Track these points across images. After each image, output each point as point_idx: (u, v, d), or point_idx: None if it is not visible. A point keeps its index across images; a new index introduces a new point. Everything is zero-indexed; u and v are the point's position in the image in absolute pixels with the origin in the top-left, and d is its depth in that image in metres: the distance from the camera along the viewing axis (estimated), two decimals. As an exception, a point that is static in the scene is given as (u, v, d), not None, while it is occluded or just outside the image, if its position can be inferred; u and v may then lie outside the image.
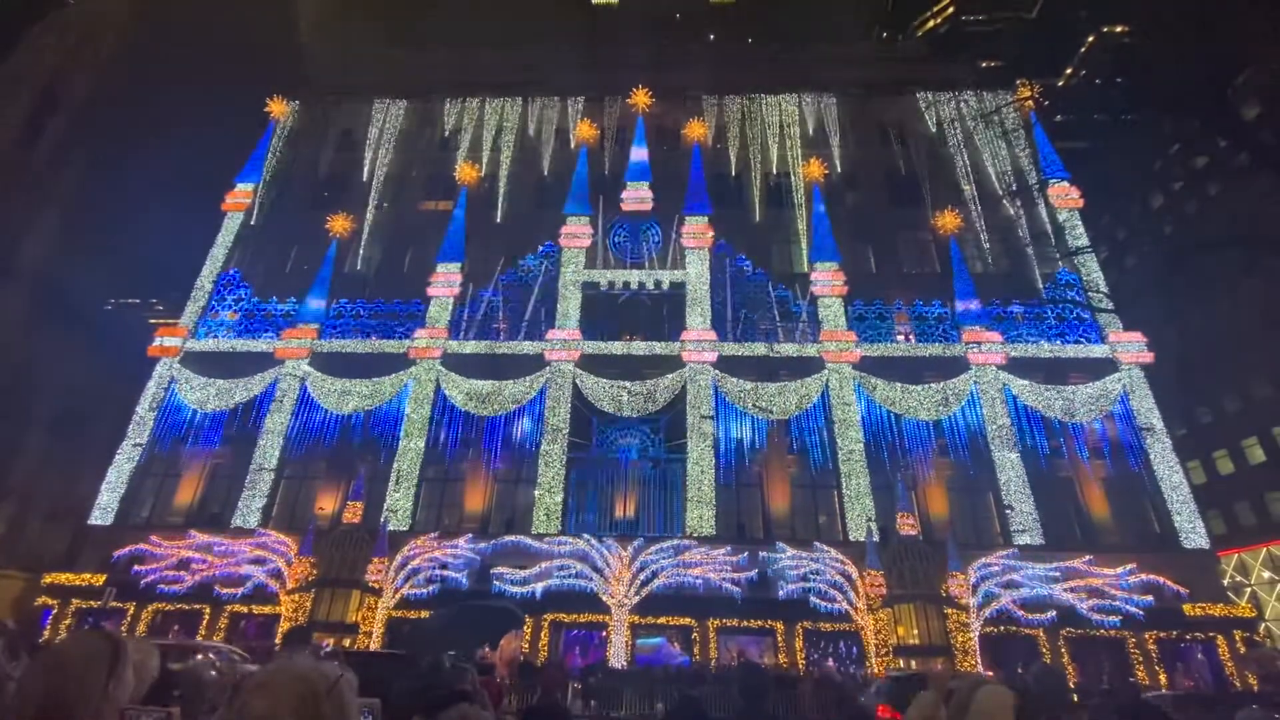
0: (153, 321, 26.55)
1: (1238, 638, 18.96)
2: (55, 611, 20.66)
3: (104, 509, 22.69)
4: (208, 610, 20.39)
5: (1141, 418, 22.51)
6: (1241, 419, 34.59)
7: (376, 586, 20.16)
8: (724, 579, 19.98)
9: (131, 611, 20.48)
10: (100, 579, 20.71)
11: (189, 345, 25.49)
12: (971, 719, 2.12)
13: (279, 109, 32.03)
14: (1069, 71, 73.93)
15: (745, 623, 19.80)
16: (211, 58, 42.26)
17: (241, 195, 29.45)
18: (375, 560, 20.33)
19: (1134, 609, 18.92)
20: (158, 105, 38.81)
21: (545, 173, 30.06)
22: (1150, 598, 19.14)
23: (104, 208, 35.71)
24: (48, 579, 21.43)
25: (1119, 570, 19.54)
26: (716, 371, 23.84)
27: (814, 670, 17.75)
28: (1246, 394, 34.33)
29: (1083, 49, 72.80)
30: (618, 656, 19.07)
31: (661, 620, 19.96)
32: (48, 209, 33.27)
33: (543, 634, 19.68)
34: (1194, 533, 20.76)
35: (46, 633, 19.99)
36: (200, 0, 42.60)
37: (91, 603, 20.49)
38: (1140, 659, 18.72)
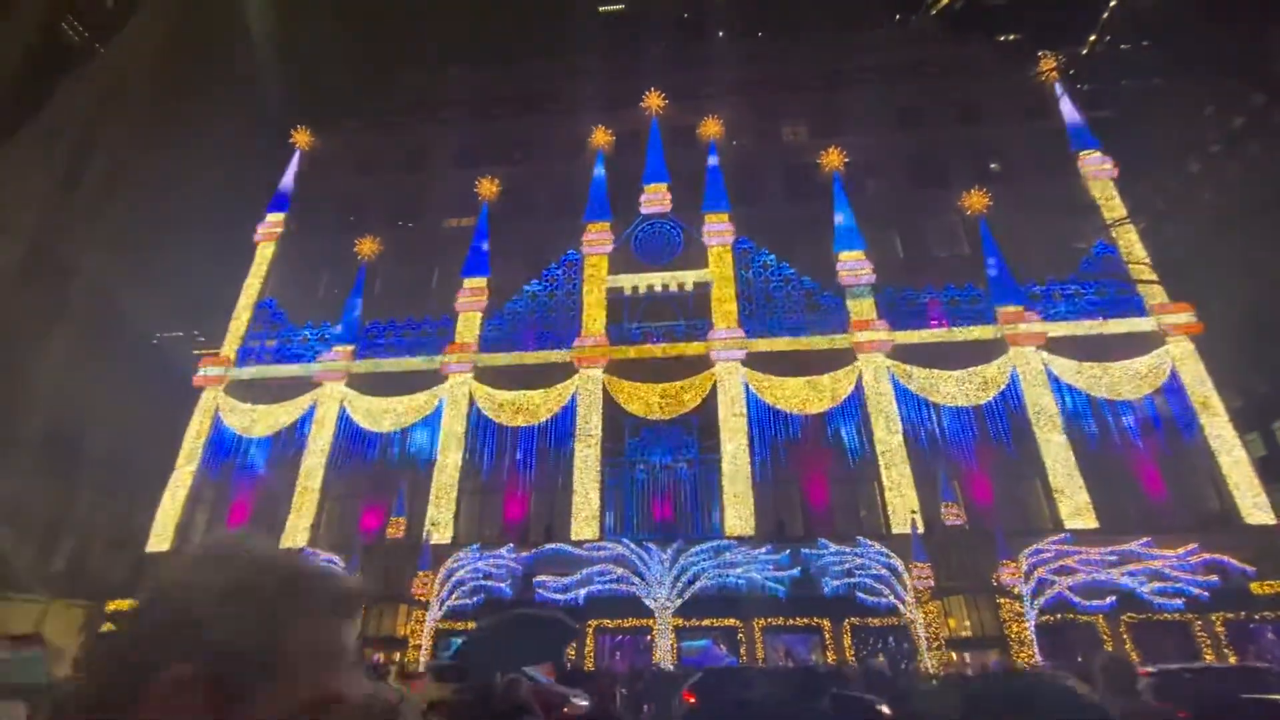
0: (196, 353, 27.49)
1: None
2: (121, 637, 21.41)
3: (160, 536, 23.50)
4: (263, 630, 20.92)
5: (1194, 391, 21.64)
6: (1301, 386, 32.97)
7: (422, 599, 20.48)
8: (766, 578, 19.80)
9: (192, 634, 21.13)
10: (161, 604, 21.43)
11: (231, 374, 26.30)
12: None
13: (303, 138, 32.90)
14: (1092, 39, 71.70)
15: (791, 621, 19.58)
16: (236, 94, 43.62)
17: (272, 225, 30.33)
18: (420, 574, 20.67)
19: (1198, 590, 18.19)
20: (189, 142, 40.19)
21: (563, 182, 30.27)
22: (1215, 578, 18.36)
23: (144, 245, 37.10)
24: (111, 606, 22.27)
25: (1180, 551, 18.80)
26: (746, 369, 23.68)
27: (869, 666, 17.43)
28: (1305, 360, 32.72)
29: (1105, 14, 70.53)
30: (664, 659, 19.04)
31: (705, 622, 19.87)
32: (91, 252, 34.68)
33: (588, 640, 19.75)
34: (1257, 508, 19.86)
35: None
36: (222, 40, 44.03)
37: (154, 627, 21.22)
38: (1208, 642, 17.97)
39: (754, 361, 23.84)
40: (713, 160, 28.29)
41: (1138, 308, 23.28)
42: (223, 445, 24.91)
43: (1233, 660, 17.50)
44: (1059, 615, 18.61)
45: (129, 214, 37.28)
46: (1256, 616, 18.40)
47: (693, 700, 11.39)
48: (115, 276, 34.92)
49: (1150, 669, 12.17)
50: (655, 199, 27.91)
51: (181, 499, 24.11)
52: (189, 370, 27.06)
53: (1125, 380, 21.88)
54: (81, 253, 34.22)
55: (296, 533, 22.83)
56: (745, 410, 23.01)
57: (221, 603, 0.78)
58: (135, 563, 23.81)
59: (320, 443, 24.39)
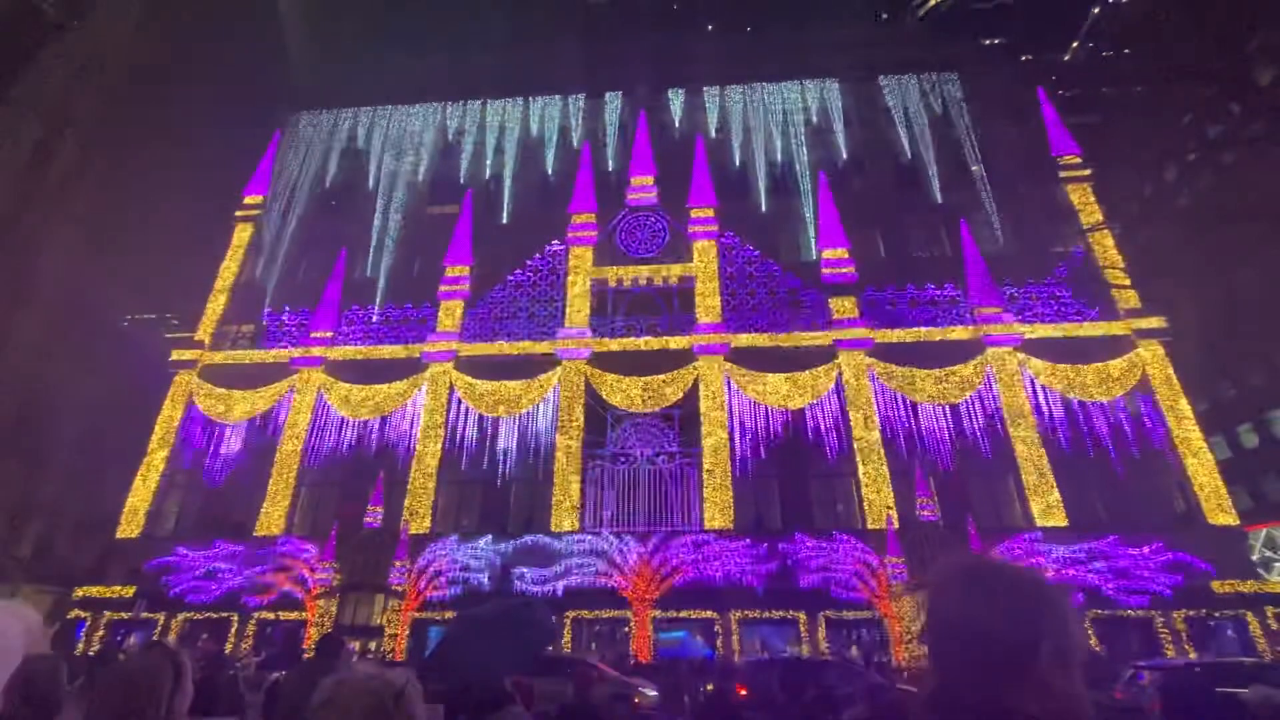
0: (169, 336, 26.91)
1: (1269, 613, 18.68)
2: (88, 624, 21.06)
3: (130, 522, 23.07)
4: (235, 618, 20.70)
5: (1163, 394, 22.18)
6: (1265, 391, 33.99)
7: (400, 590, 20.36)
8: (744, 571, 19.98)
9: (162, 621, 20.84)
10: (130, 591, 21.09)
11: (206, 358, 25.82)
12: None
13: (284, 120, 32.27)
14: (1074, 45, 72.71)
15: (767, 614, 19.80)
16: (215, 72, 42.62)
17: (250, 207, 29.77)
18: (397, 563, 20.54)
19: (1161, 588, 18.70)
20: (165, 121, 39.21)
21: (549, 172, 30.10)
22: (1178, 576, 18.90)
23: (117, 226, 36.20)
24: (79, 592, 21.84)
25: (1145, 550, 19.30)
26: (728, 364, 23.78)
27: (840, 659, 17.68)
28: (1269, 366, 33.71)
29: (1088, 21, 71.58)
30: (642, 651, 19.15)
31: (683, 614, 20.01)
32: (61, 230, 33.76)
33: (565, 631, 19.80)
34: (1220, 509, 20.46)
35: (80, 645, 20.39)
36: (202, 16, 42.94)
37: (123, 614, 20.88)
38: (1169, 638, 18.50)
39: (736, 356, 23.96)
40: (700, 154, 28.28)
41: (1112, 311, 23.76)
42: (196, 430, 24.47)
43: (1193, 657, 18.05)
44: (1028, 610, 18.97)
45: (101, 192, 36.32)
46: (1216, 614, 18.99)
47: (745, 693, 10.92)
48: (86, 256, 34.08)
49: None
50: (642, 192, 27.85)
51: (153, 485, 23.68)
52: (162, 353, 26.50)
53: (1097, 382, 22.35)
54: (51, 231, 33.29)
55: (271, 520, 22.54)
56: (726, 404, 23.13)
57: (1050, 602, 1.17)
58: (103, 549, 23.36)
59: (297, 429, 24.07)
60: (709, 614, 19.87)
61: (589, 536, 21.04)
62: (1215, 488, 20.71)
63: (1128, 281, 22.44)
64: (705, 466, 22.25)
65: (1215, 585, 18.91)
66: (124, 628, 21.02)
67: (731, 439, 22.62)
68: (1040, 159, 27.42)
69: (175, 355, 25.83)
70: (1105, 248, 25.03)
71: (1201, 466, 21.07)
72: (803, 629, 19.50)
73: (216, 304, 27.28)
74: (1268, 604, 18.80)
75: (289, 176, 30.91)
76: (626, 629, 19.92)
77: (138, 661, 1.88)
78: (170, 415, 24.81)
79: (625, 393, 23.51)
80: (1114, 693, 12.04)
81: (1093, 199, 26.38)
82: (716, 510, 21.51)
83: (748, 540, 20.47)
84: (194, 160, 39.32)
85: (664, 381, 23.54)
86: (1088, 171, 26.74)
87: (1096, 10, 70.99)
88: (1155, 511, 21.00)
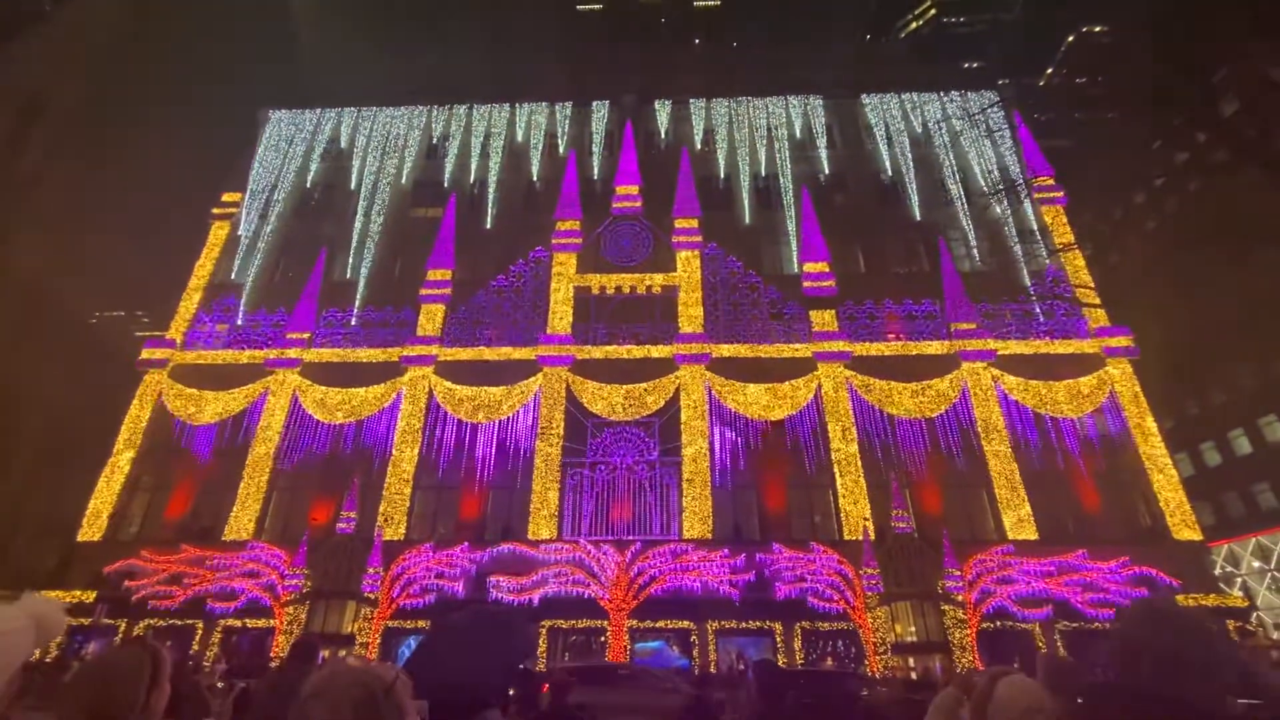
0: (139, 334, 26.29)
1: (1230, 628, 19.14)
2: (44, 630, 20.27)
3: (93, 525, 22.38)
4: (200, 625, 20.14)
5: (1130, 411, 22.75)
6: (1228, 410, 35.04)
7: (372, 597, 20.00)
8: (721, 581, 19.98)
9: (123, 628, 20.18)
10: (90, 596, 20.40)
11: (177, 357, 25.25)
12: (994, 710, 2.13)
13: (266, 118, 31.86)
14: (1050, 70, 74.97)
15: (744, 624, 19.80)
16: (197, 68, 42.01)
17: (228, 205, 29.28)
18: (370, 570, 20.18)
19: (1128, 602, 19.09)
20: (143, 116, 38.51)
21: (534, 178, 30.08)
22: (1144, 590, 19.32)
23: (89, 220, 35.36)
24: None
25: (1112, 564, 19.72)
26: (709, 374, 23.89)
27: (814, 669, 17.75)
28: (1232, 385, 34.78)
29: (1063, 48, 73.88)
30: (618, 661, 19.00)
31: (660, 624, 19.92)
32: (31, 223, 32.87)
33: (542, 641, 19.59)
34: (1185, 524, 20.99)
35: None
36: (185, 11, 42.34)
37: (82, 620, 20.17)
38: (1135, 651, 18.84)
39: (717, 366, 24.08)
40: (684, 166, 28.52)
41: (1082, 330, 24.36)
42: (165, 432, 23.85)
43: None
44: (999, 623, 19.28)
45: (73, 185, 35.47)
46: (1180, 627, 19.37)
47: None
48: (54, 249, 33.20)
49: None
50: (627, 201, 27.97)
51: (117, 486, 23.00)
52: (131, 352, 25.86)
53: (1068, 399, 22.86)
54: (16, 222, 32.39)
55: (241, 525, 22.03)
56: (707, 414, 23.20)
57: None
58: (63, 552, 22.60)
59: (270, 432, 23.61)
60: (686, 624, 19.81)
61: (566, 545, 20.89)
62: (1180, 504, 21.25)
63: (1098, 301, 23.06)
64: (685, 476, 22.27)
65: (1180, 599, 19.36)
66: (82, 635, 20.31)
67: (711, 448, 22.69)
68: (1016, 180, 28.09)
69: (145, 354, 25.20)
70: (1076, 268, 25.68)
71: (1167, 483, 21.62)
72: (779, 640, 19.54)
73: (190, 302, 26.72)
74: (1230, 618, 19.29)
75: (269, 175, 30.47)
76: (602, 639, 19.78)
77: (114, 656, 1.81)
78: (138, 415, 24.18)
79: (606, 400, 23.48)
80: None
81: (1065, 220, 27.09)
82: (696, 520, 21.51)
83: (726, 550, 20.50)
84: (172, 156, 38.64)
85: (645, 390, 23.56)
86: (1060, 193, 27.47)
87: (1071, 39, 73.30)
88: (1122, 526, 21.47)
